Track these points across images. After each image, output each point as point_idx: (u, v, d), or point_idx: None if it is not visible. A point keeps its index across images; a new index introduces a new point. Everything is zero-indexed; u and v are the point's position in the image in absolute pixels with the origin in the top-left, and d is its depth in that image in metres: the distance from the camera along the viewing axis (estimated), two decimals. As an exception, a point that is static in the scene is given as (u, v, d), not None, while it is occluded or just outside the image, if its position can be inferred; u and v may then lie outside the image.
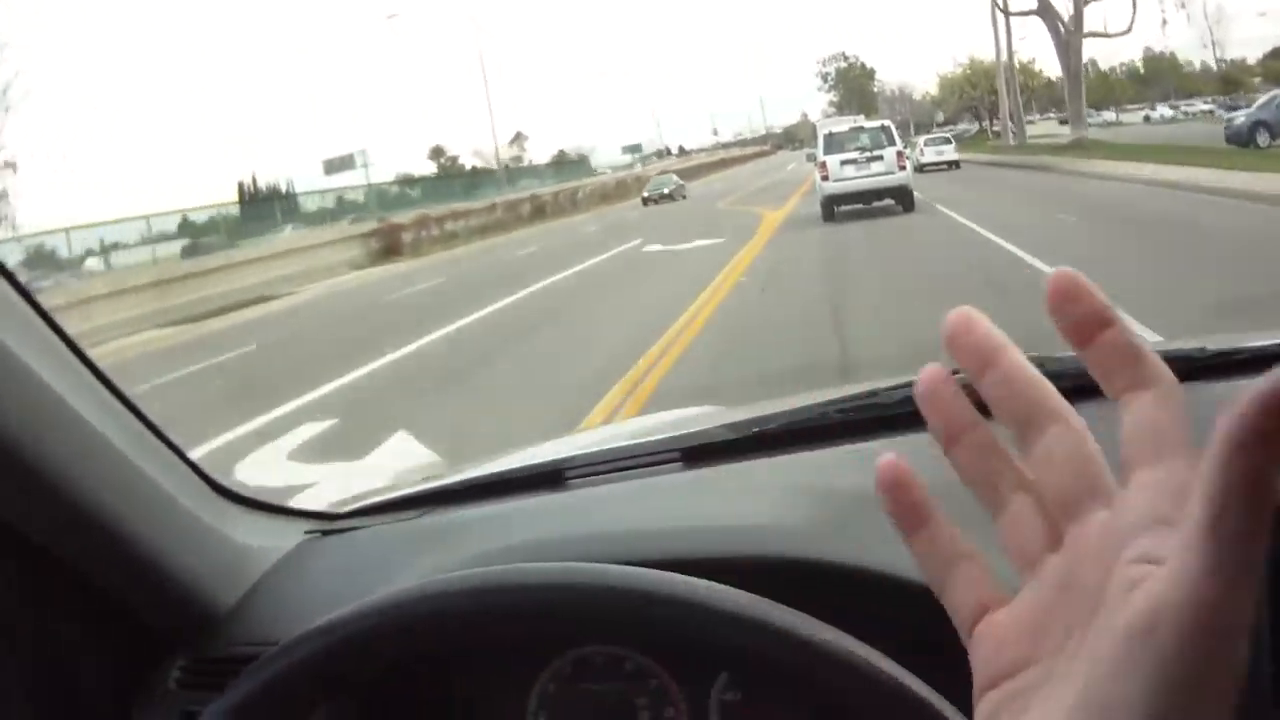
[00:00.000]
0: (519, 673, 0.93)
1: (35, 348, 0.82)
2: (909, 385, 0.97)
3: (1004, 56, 43.09)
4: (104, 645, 1.00)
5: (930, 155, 32.79)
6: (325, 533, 1.19)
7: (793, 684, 0.73)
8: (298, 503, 1.23)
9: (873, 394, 1.19)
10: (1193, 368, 1.14)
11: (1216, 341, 1.25)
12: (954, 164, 29.10)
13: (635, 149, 79.34)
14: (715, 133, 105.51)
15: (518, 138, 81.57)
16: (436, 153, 64.93)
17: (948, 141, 34.04)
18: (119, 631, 1.00)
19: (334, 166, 35.76)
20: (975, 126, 70.01)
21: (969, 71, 64.33)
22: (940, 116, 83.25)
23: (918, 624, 0.63)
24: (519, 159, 75.19)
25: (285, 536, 1.16)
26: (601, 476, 1.19)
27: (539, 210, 37.63)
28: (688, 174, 58.19)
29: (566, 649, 0.90)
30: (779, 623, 0.71)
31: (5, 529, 0.86)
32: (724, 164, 73.94)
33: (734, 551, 0.94)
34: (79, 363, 0.88)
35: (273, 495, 1.18)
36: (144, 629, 1.00)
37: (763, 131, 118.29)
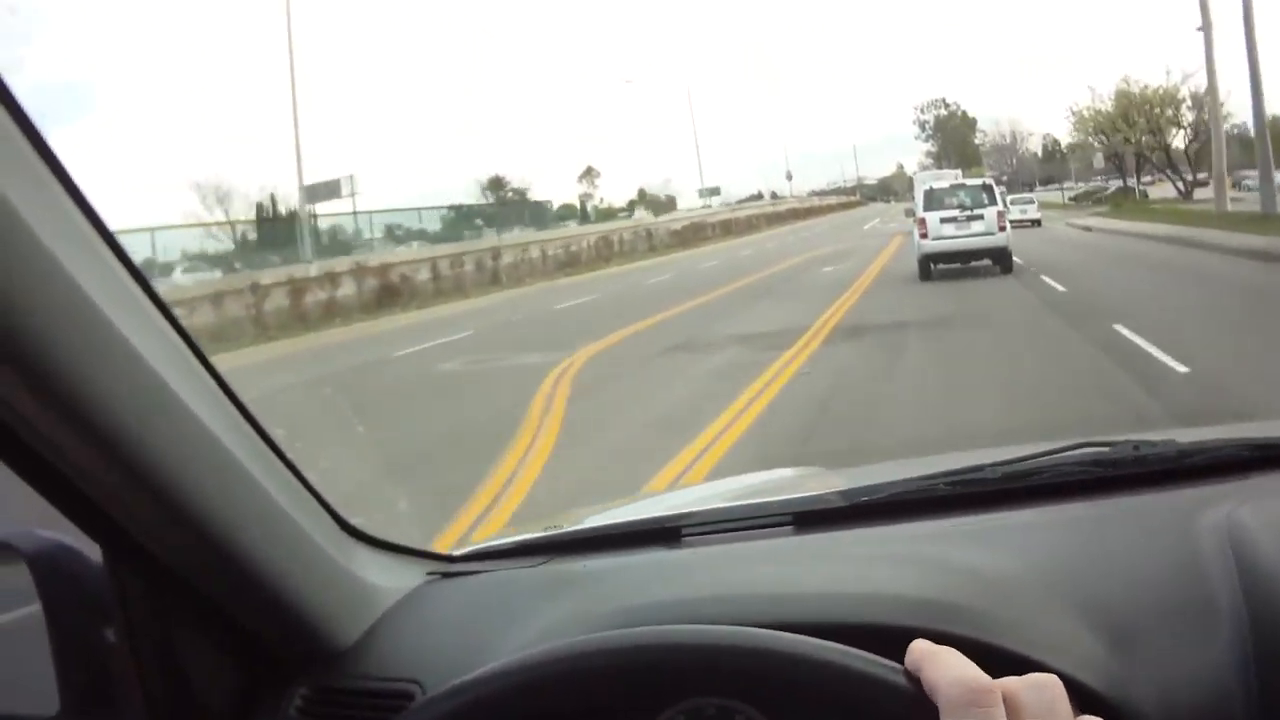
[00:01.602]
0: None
1: (182, 376, 0.89)
2: (1011, 463, 1.33)
3: (1184, 83, 44.52)
4: (223, 666, 1.09)
5: (1014, 213, 33.48)
6: (446, 575, 1.28)
7: None
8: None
9: (979, 469, 1.30)
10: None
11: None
12: (1036, 222, 33.79)
13: (713, 191, 79.37)
14: (789, 177, 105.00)
15: (588, 173, 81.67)
16: (496, 184, 64.57)
17: (1030, 202, 39.62)
18: (239, 655, 1.09)
19: (318, 194, 35.54)
20: (1114, 183, 64.31)
21: (1123, 103, 54.51)
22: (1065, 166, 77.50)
23: None
24: (589, 196, 77.02)
25: (407, 577, 1.25)
26: (716, 535, 1.30)
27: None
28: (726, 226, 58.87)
29: (679, 700, 0.94)
30: (868, 670, 0.75)
31: (136, 547, 0.94)
32: (780, 218, 73.23)
33: (845, 618, 1.00)
34: (224, 396, 0.95)
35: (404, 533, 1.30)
36: (266, 655, 1.09)
37: (853, 181, 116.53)
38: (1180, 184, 50.09)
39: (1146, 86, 53.56)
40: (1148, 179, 56.88)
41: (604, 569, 1.26)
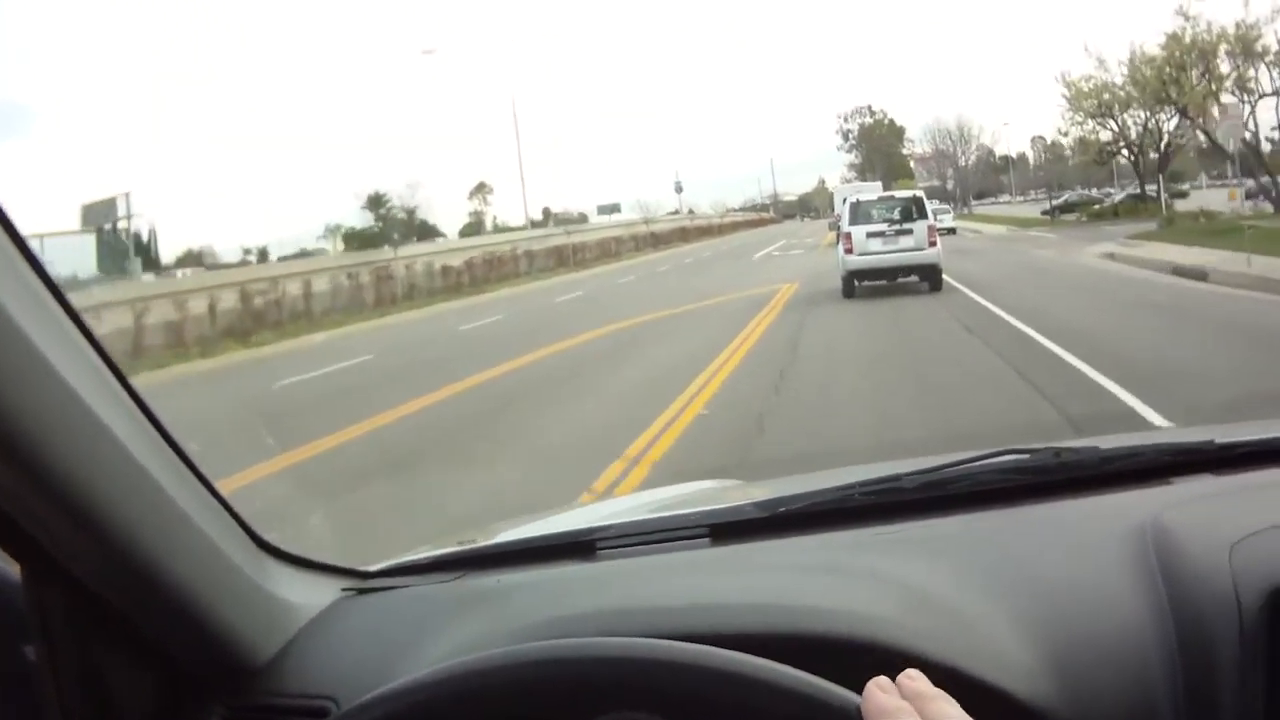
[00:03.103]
0: None
1: (96, 391, 0.95)
2: (930, 471, 1.37)
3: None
4: (143, 683, 1.15)
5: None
6: (361, 591, 1.37)
7: None
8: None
9: (895, 478, 1.40)
10: (1203, 460, 1.40)
11: (1224, 434, 1.46)
12: (950, 230, 30.37)
13: (613, 209, 78.45)
14: (679, 190, 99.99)
15: (480, 189, 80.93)
16: (375, 202, 62.40)
17: (947, 211, 39.63)
18: (158, 672, 1.15)
19: (93, 214, 33.33)
20: (1115, 192, 52.12)
21: (1174, 49, 37.85)
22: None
23: None
24: (479, 214, 77.75)
25: (322, 593, 1.33)
26: (631, 548, 1.39)
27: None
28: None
29: (595, 715, 0.98)
30: (792, 684, 0.82)
31: (55, 565, 1.01)
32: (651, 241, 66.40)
33: (764, 629, 1.09)
34: (138, 410, 1.02)
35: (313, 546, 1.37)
36: (184, 673, 1.17)
37: (770, 198, 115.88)
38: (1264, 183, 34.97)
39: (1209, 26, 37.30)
40: (1155, 186, 43.47)
41: (519, 583, 1.34)
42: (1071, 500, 1.34)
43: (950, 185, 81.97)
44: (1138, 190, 45.68)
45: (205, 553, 1.09)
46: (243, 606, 1.17)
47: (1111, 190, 56.52)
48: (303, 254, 46.02)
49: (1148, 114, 42.17)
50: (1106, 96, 42.41)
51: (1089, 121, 44.00)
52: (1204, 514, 1.21)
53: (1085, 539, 1.21)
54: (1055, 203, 52.52)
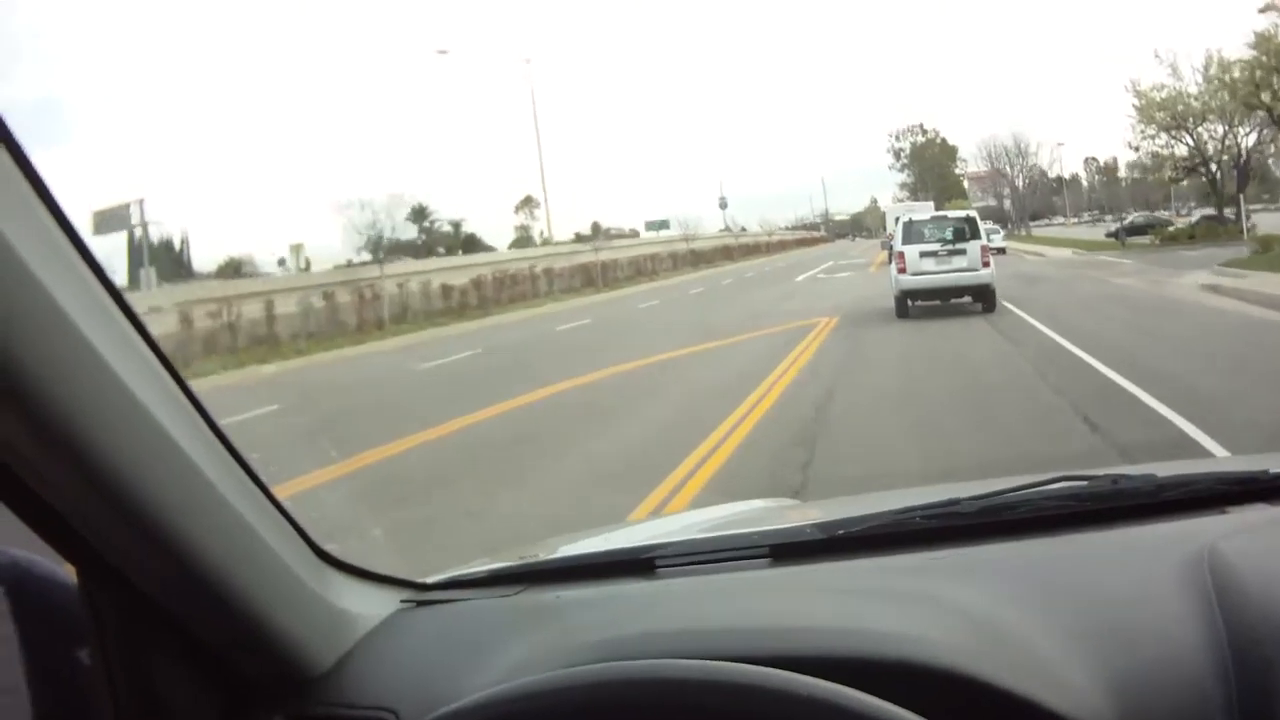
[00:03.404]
0: None
1: (158, 398, 0.96)
2: (988, 496, 1.39)
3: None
4: (199, 691, 1.15)
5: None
6: (420, 603, 1.38)
7: None
8: None
9: (954, 502, 1.40)
10: (1259, 489, 1.41)
11: (1278, 463, 1.46)
12: (1000, 250, 27.62)
13: (661, 225, 76.07)
14: (723, 205, 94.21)
15: (527, 202, 78.41)
16: (419, 214, 59.77)
17: (997, 231, 36.73)
18: (215, 680, 1.16)
19: (105, 221, 31.82)
20: (1174, 214, 49.33)
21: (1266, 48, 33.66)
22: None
23: None
24: (526, 229, 76.01)
25: (381, 604, 1.34)
26: (691, 567, 1.39)
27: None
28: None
29: None
30: (859, 707, 0.87)
31: (112, 569, 1.02)
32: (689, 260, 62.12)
33: (826, 652, 1.08)
34: (200, 418, 1.02)
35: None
36: (242, 680, 1.17)
37: (822, 216, 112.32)
38: None
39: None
40: (1231, 207, 39.26)
41: (578, 600, 1.34)
42: (1128, 528, 1.35)
43: (1007, 205, 77.95)
44: (1213, 211, 41.35)
45: (266, 561, 1.10)
46: (302, 616, 1.17)
47: (1165, 212, 52.76)
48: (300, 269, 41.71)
49: (1226, 126, 38.20)
50: (1181, 108, 38.54)
51: (1162, 135, 40.04)
52: (1262, 544, 1.23)
53: (1142, 566, 1.22)
54: (1122, 224, 47.62)
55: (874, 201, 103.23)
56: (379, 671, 1.22)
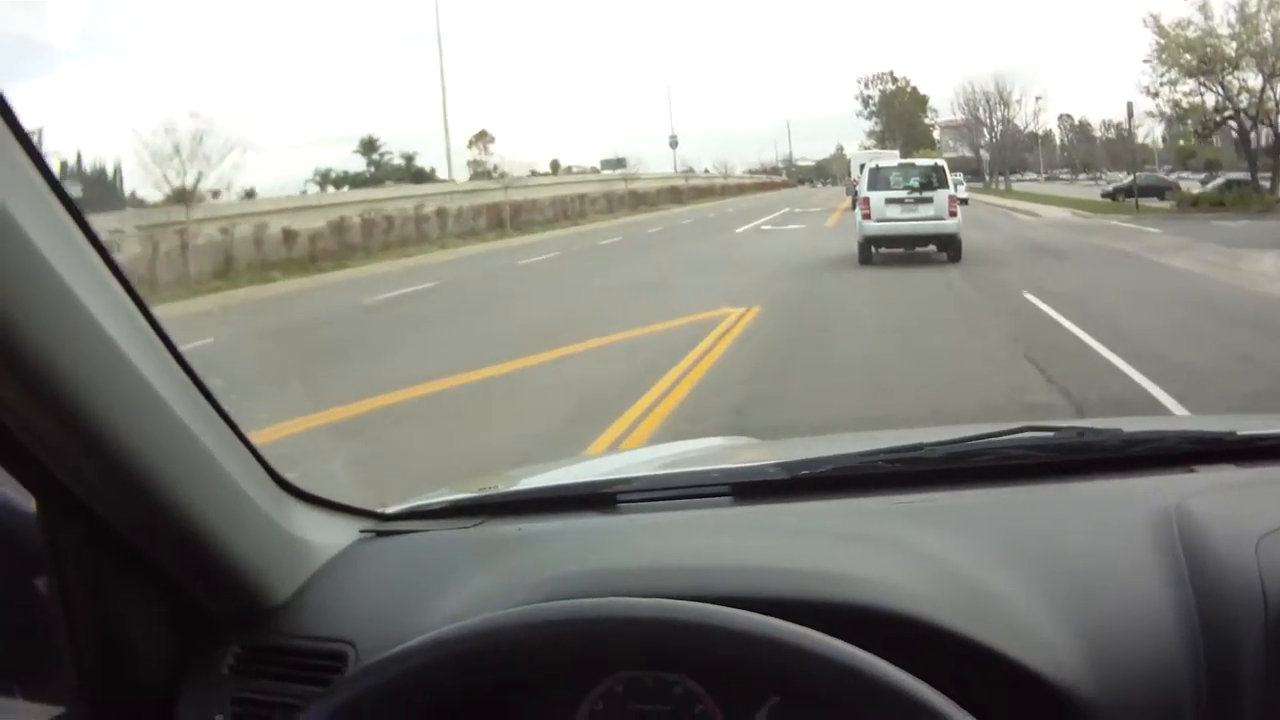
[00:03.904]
0: (572, 689, 1.08)
1: (118, 322, 0.94)
2: (953, 442, 1.36)
3: None
4: (157, 620, 1.15)
5: None
6: (380, 533, 1.35)
7: (837, 709, 0.88)
8: None
9: (918, 447, 1.38)
10: (1226, 450, 1.39)
11: (1246, 425, 1.46)
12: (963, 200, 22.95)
13: (618, 163, 70.93)
14: (674, 144, 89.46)
15: (481, 137, 72.39)
16: (368, 146, 58.03)
17: (960, 182, 28.85)
18: (173, 609, 1.15)
19: None
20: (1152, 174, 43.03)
21: None
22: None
23: (954, 669, 0.91)
24: (478, 164, 68.79)
25: (340, 534, 1.32)
26: (652, 503, 1.38)
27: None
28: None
29: (619, 670, 1.05)
30: (824, 650, 0.87)
31: (71, 498, 1.01)
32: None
33: (786, 592, 1.08)
34: (160, 343, 1.01)
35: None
36: (200, 611, 1.17)
37: (784, 161, 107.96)
38: None
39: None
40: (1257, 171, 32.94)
41: (539, 533, 1.32)
42: (1094, 481, 1.34)
43: (985, 155, 71.40)
44: (1240, 175, 34.74)
45: (225, 488, 1.09)
46: (261, 544, 1.16)
47: (1167, 172, 47.16)
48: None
49: (1266, 75, 31.30)
50: (1209, 49, 31.75)
51: (1187, 81, 33.05)
52: (1230, 505, 1.22)
53: (1109, 520, 1.21)
54: (1125, 184, 40.73)
55: (840, 149, 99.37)
56: (337, 602, 1.21)
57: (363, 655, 1.09)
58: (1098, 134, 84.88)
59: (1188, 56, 32.54)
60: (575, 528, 1.33)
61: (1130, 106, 35.28)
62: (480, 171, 61.67)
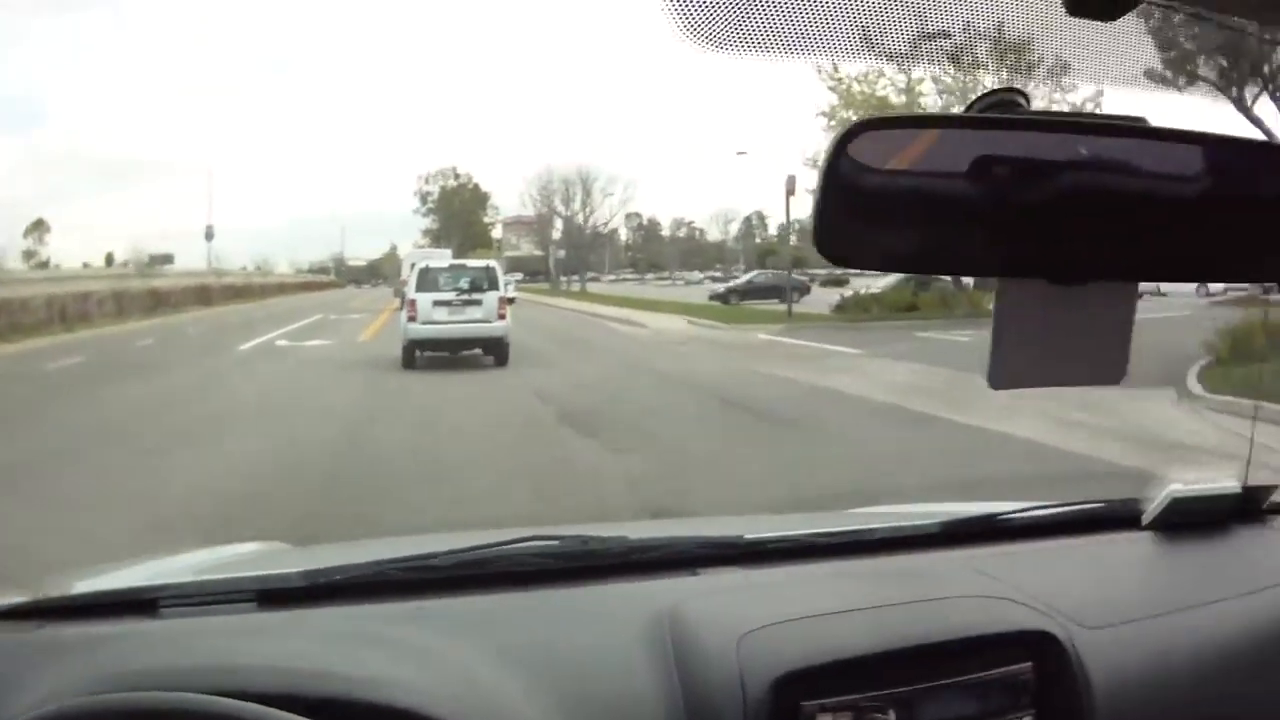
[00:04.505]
0: None
1: None
2: (463, 551, 1.48)
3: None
4: None
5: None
6: None
7: None
8: None
9: (431, 555, 1.50)
10: (729, 553, 1.56)
11: (755, 529, 1.66)
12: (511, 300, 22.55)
13: (165, 259, 62.52)
14: (210, 235, 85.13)
15: (38, 226, 65.47)
16: None
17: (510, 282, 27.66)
18: None
19: None
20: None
21: None
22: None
23: None
24: (33, 253, 63.93)
25: None
26: (190, 609, 1.44)
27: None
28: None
29: None
30: None
31: None
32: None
33: (309, 691, 1.17)
34: None
35: None
36: None
37: (335, 260, 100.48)
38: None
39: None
40: None
41: (88, 637, 1.36)
42: (599, 585, 1.46)
43: (562, 253, 64.65)
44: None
45: None
46: None
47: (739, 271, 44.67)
48: None
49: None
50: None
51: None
52: (721, 605, 1.36)
53: (608, 623, 1.34)
54: (738, 284, 35.90)
55: (394, 248, 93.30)
56: None
57: None
58: (665, 233, 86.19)
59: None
60: (121, 632, 1.37)
61: (791, 180, 28.94)
62: (39, 263, 58.35)
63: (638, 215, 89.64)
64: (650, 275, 75.35)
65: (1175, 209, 0.93)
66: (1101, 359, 1.05)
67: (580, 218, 65.79)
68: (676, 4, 0.88)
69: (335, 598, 1.41)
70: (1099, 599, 1.51)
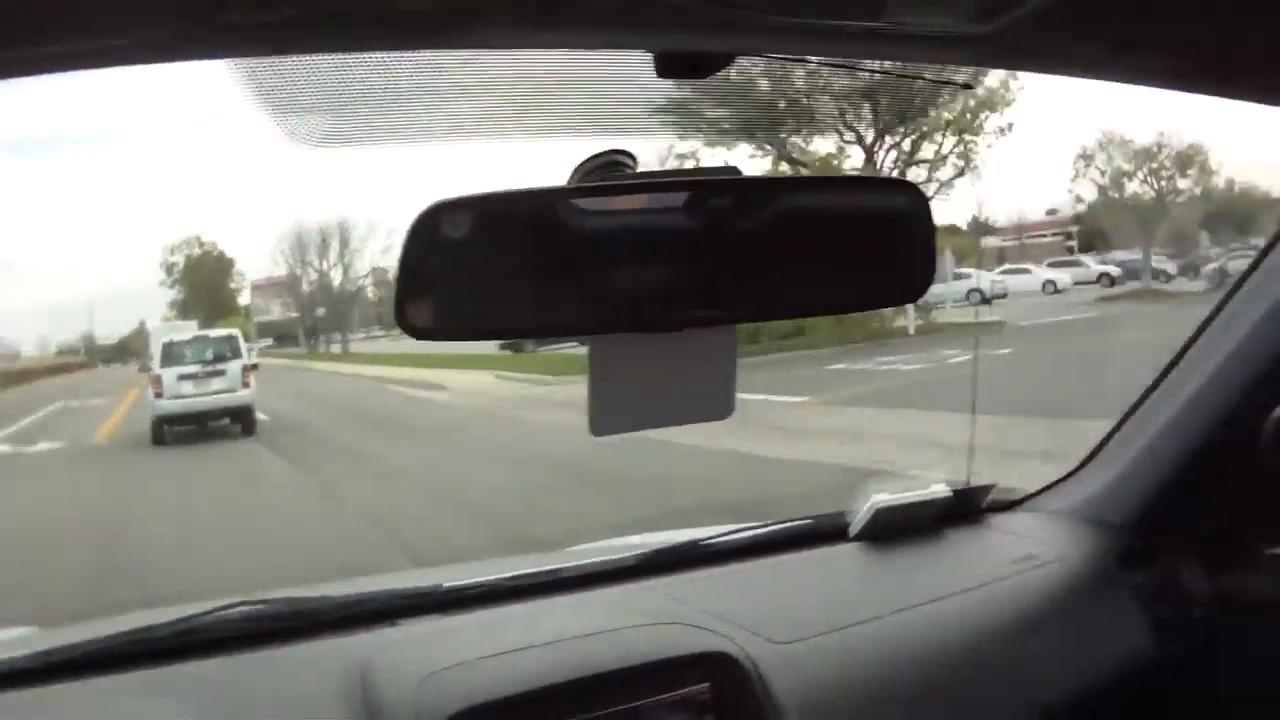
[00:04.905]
0: None
1: None
2: (182, 620, 1.54)
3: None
4: None
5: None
6: None
7: None
8: None
9: (151, 628, 1.53)
10: (429, 603, 1.62)
11: (454, 576, 1.71)
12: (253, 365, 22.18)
13: None
14: None
15: None
16: None
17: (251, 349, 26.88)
18: None
19: None
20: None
21: None
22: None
23: None
24: None
25: None
26: None
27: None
28: None
29: None
30: None
31: None
32: None
33: None
34: None
35: None
36: None
37: (82, 339, 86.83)
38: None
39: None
40: None
41: None
42: (303, 644, 1.50)
43: (321, 311, 61.95)
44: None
45: None
46: None
47: None
48: None
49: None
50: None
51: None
52: (409, 654, 1.43)
53: (307, 681, 1.39)
54: None
55: (142, 323, 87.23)
56: None
57: None
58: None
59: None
60: None
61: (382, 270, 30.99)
62: None
63: (382, 270, 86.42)
64: (397, 330, 72.73)
65: (765, 252, 0.99)
66: (705, 397, 1.10)
67: (337, 272, 61.73)
68: (277, 115, 0.97)
69: (67, 675, 1.42)
70: (793, 614, 1.59)
